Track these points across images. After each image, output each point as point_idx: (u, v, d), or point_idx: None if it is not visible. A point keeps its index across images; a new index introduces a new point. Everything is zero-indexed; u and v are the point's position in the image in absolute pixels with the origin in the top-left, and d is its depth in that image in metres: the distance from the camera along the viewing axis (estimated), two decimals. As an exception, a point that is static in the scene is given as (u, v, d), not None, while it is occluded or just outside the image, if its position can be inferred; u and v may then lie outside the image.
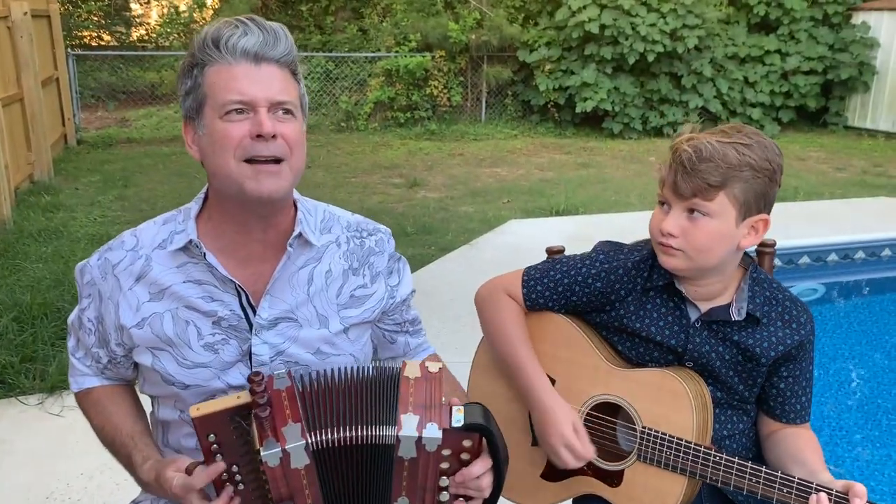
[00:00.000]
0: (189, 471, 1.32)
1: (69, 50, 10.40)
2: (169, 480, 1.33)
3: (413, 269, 5.16)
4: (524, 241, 5.89)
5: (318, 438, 1.28)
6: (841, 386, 4.42)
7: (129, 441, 1.49)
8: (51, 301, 4.18)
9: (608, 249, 1.78)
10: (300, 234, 1.47)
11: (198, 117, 1.39)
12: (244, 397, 1.29)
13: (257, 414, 1.25)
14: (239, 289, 1.45)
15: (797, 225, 6.20)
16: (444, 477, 1.33)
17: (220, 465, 1.30)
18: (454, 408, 1.31)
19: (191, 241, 1.43)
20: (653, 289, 1.69)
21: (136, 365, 1.54)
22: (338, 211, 1.62)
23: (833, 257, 5.98)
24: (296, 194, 1.53)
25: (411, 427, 1.27)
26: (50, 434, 3.12)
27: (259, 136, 1.33)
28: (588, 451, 1.65)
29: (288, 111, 1.38)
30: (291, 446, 1.25)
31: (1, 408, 3.38)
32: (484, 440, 1.33)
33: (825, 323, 5.30)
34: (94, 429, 1.59)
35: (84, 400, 1.60)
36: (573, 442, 1.64)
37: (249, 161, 1.35)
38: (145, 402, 1.62)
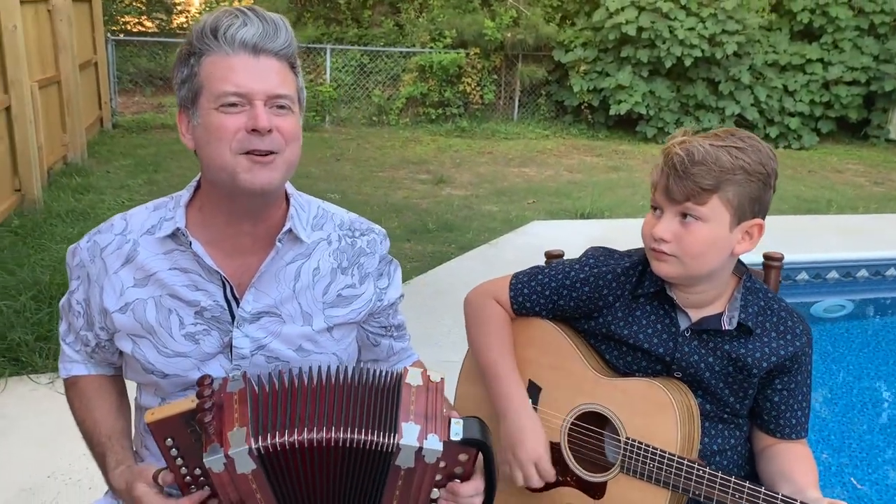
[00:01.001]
0: (154, 477, 1.32)
1: (109, 35, 10.55)
2: (140, 499, 1.32)
3: (431, 267, 5.25)
4: (545, 243, 5.79)
5: (265, 443, 1.24)
6: (866, 405, 4.31)
7: (105, 441, 1.49)
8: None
9: (599, 254, 1.75)
10: (290, 230, 1.45)
11: (193, 107, 1.37)
12: (197, 400, 1.28)
13: (200, 419, 1.23)
14: (224, 280, 1.44)
15: (828, 238, 6.07)
16: (436, 489, 1.31)
17: (203, 494, 1.29)
18: (453, 420, 1.28)
19: (178, 229, 1.42)
20: (643, 295, 1.65)
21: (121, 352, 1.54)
22: (332, 208, 1.59)
23: (863, 273, 5.83)
24: (290, 189, 1.51)
25: (412, 437, 1.24)
26: (57, 414, 3.15)
27: (255, 130, 1.32)
28: (550, 474, 1.63)
29: (284, 105, 1.36)
30: (235, 451, 1.22)
31: (12, 385, 3.44)
32: (479, 457, 1.31)
33: (852, 340, 5.17)
34: (75, 420, 1.59)
35: (70, 388, 1.60)
36: (543, 461, 1.62)
37: (245, 154, 1.34)
38: (130, 388, 1.62)
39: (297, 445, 1.25)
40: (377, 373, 1.34)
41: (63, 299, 1.58)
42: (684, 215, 1.52)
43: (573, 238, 5.99)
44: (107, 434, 1.50)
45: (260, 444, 1.23)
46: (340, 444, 1.25)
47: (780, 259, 1.86)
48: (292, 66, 1.40)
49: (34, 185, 6.10)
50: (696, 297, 1.61)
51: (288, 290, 1.47)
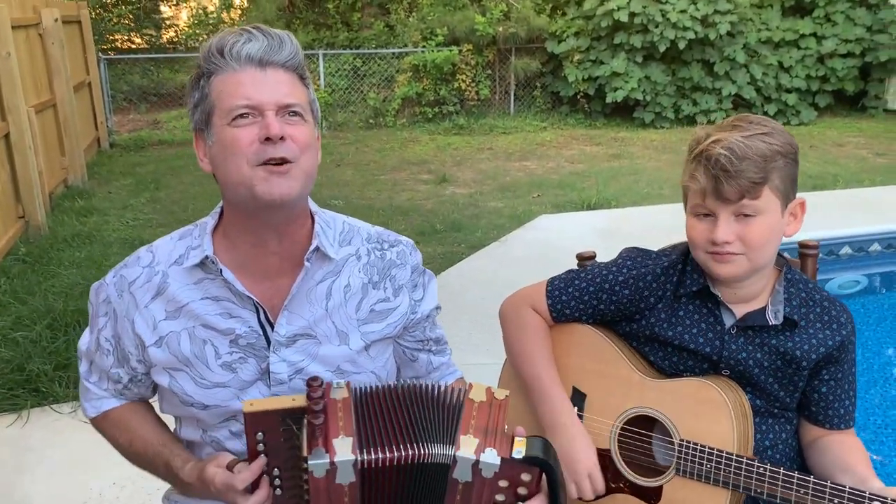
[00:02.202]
0: (230, 467, 1.31)
1: (100, 54, 10.53)
2: (211, 477, 1.32)
3: (443, 268, 5.22)
4: (555, 237, 5.81)
5: (368, 457, 1.23)
6: (886, 381, 4.28)
7: (163, 450, 1.47)
8: (83, 307, 4.20)
9: (635, 255, 1.71)
10: (317, 248, 1.42)
11: (207, 128, 1.36)
12: (299, 400, 1.27)
13: (310, 421, 1.22)
14: (257, 305, 1.41)
15: (838, 214, 6.03)
16: None
17: (261, 461, 1.28)
18: (516, 438, 1.26)
19: (207, 258, 1.39)
20: (685, 295, 1.62)
21: (155, 385, 1.51)
22: (357, 223, 1.56)
23: (876, 247, 5.80)
24: (314, 206, 1.48)
25: (469, 449, 1.23)
26: (83, 443, 3.13)
27: (268, 138, 1.29)
28: (602, 484, 1.62)
29: (296, 113, 1.34)
30: (340, 460, 1.21)
31: (34, 416, 3.40)
32: (544, 476, 1.28)
33: (868, 315, 5.14)
34: (119, 448, 1.56)
35: (103, 423, 1.57)
36: (596, 473, 1.60)
37: (261, 165, 1.31)
38: (168, 420, 1.59)
39: (393, 462, 1.24)
40: (442, 388, 1.33)
41: (83, 341, 1.54)
42: (741, 214, 1.49)
43: (582, 231, 5.95)
44: (161, 443, 1.49)
45: (365, 456, 1.23)
46: (410, 459, 1.24)
47: (817, 247, 1.83)
48: (302, 78, 1.38)
49: (38, 210, 6.07)
50: (744, 291, 1.58)
51: (321, 309, 1.44)
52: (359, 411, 1.28)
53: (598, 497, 1.64)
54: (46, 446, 3.17)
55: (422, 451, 1.24)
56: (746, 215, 1.49)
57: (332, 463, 1.21)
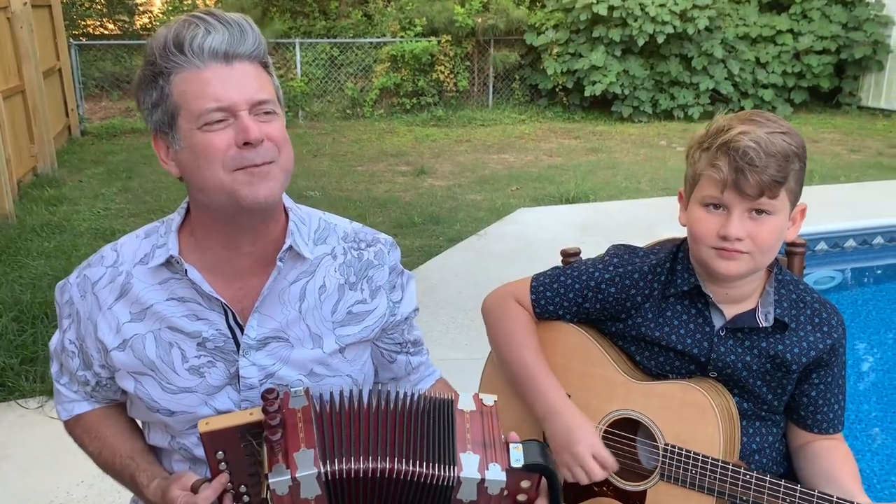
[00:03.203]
0: (195, 489, 1.25)
1: (71, 39, 10.29)
2: (174, 500, 1.27)
3: (421, 262, 5.17)
4: (534, 231, 5.78)
5: (334, 468, 1.18)
6: (860, 376, 4.31)
7: (129, 462, 1.41)
8: (52, 300, 4.04)
9: (622, 253, 1.67)
10: (291, 247, 1.36)
11: (171, 131, 1.26)
12: (257, 414, 1.21)
13: (268, 437, 1.16)
14: (225, 307, 1.34)
15: (813, 210, 6.04)
16: None
17: (223, 478, 1.23)
18: (512, 445, 1.21)
19: (172, 257, 1.33)
20: (674, 294, 1.58)
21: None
22: (335, 219, 1.50)
23: (851, 243, 5.84)
24: (289, 202, 1.41)
25: (472, 468, 1.18)
26: (50, 439, 3.05)
27: (247, 143, 1.22)
28: (613, 459, 1.55)
29: (269, 111, 1.27)
30: (302, 475, 1.15)
31: (0, 411, 3.31)
32: (542, 480, 1.24)
33: (843, 311, 5.15)
34: (90, 455, 1.50)
35: (75, 427, 1.50)
36: (601, 451, 1.54)
37: (239, 170, 1.24)
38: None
39: (362, 474, 1.19)
40: (429, 399, 1.27)
41: (53, 340, 1.47)
42: (754, 210, 1.44)
43: (561, 225, 5.94)
44: (128, 455, 1.42)
45: (328, 468, 1.17)
46: (402, 475, 1.19)
47: (804, 245, 1.81)
48: (265, 67, 1.31)
49: (5, 199, 5.92)
50: (736, 291, 1.55)
51: (294, 311, 1.38)
52: (321, 420, 1.22)
53: (581, 498, 1.61)
54: (12, 443, 3.09)
55: (418, 470, 1.18)
56: (759, 213, 1.44)
57: (294, 478, 1.15)
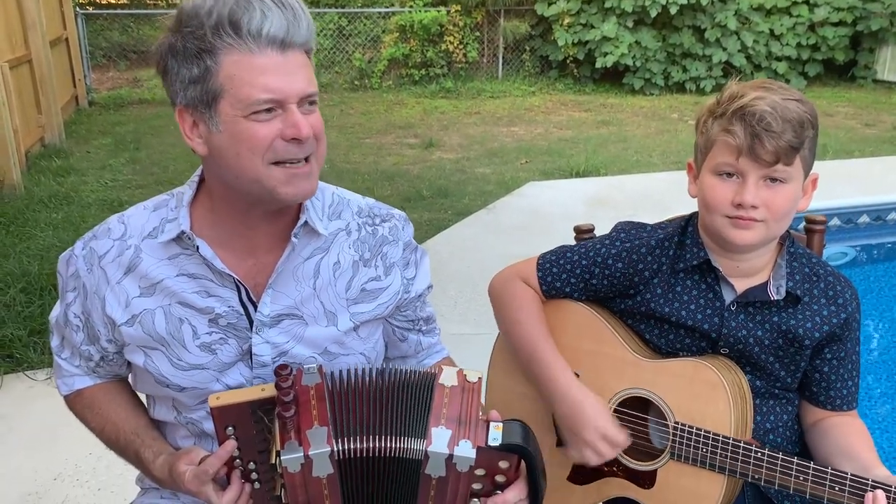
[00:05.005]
0: (201, 463, 1.24)
1: (78, 9, 10.22)
2: (182, 475, 1.25)
3: (430, 235, 5.14)
4: (543, 205, 5.73)
5: (345, 447, 1.16)
6: (872, 353, 4.28)
7: (134, 438, 1.40)
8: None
9: (629, 228, 1.64)
10: (305, 223, 1.33)
11: (209, 111, 1.20)
12: (269, 390, 1.19)
13: (280, 413, 1.14)
14: (238, 283, 1.31)
15: (827, 185, 5.98)
16: (476, 499, 1.22)
17: (229, 445, 1.21)
18: (492, 424, 1.19)
19: (183, 233, 1.29)
20: (683, 269, 1.55)
21: (129, 362, 1.42)
22: (348, 195, 1.46)
23: (864, 219, 5.78)
24: None
25: (442, 443, 1.15)
26: (58, 411, 3.02)
27: (294, 138, 1.19)
28: (624, 436, 1.52)
29: (313, 100, 1.23)
30: (315, 452, 1.14)
31: (8, 383, 3.32)
32: (522, 462, 1.22)
33: (856, 288, 5.13)
34: (92, 431, 1.48)
35: (76, 403, 1.48)
36: (610, 431, 1.51)
37: (278, 163, 1.21)
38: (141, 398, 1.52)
39: (372, 452, 1.17)
40: (409, 372, 1.25)
41: (54, 313, 1.44)
42: (769, 178, 1.42)
43: (571, 199, 5.88)
44: (133, 431, 1.41)
45: (342, 446, 1.16)
46: (380, 451, 1.18)
47: (824, 222, 1.77)
48: (310, 53, 1.26)
49: (13, 170, 5.90)
50: (748, 264, 1.51)
51: (308, 288, 1.35)
52: (333, 398, 1.20)
53: (591, 479, 1.59)
54: (20, 415, 3.09)
55: (393, 445, 1.17)
56: (774, 181, 1.41)
57: (307, 456, 1.14)
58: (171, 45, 1.20)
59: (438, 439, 1.15)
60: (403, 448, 1.17)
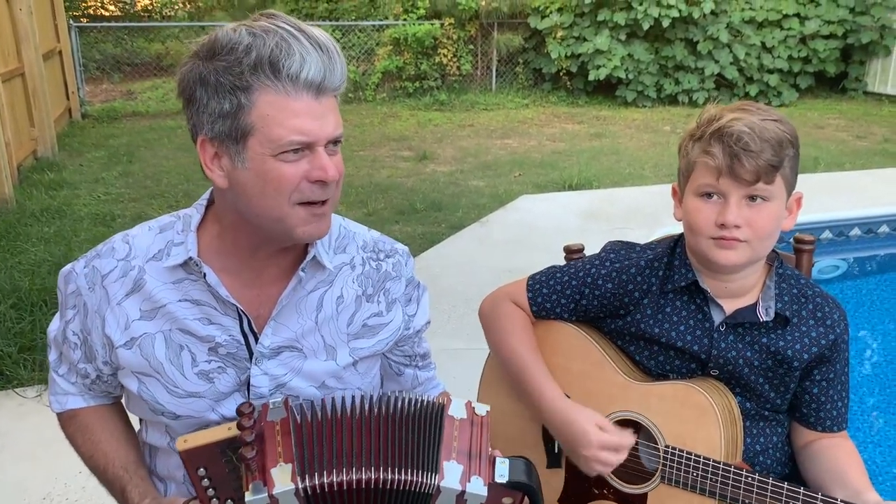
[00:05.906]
0: None
1: (71, 21, 10.21)
2: None
3: (423, 249, 5.14)
4: (537, 219, 5.73)
5: (313, 482, 1.14)
6: (863, 366, 4.29)
7: (122, 473, 1.38)
8: (51, 286, 4.06)
9: (618, 248, 1.65)
10: (314, 257, 1.32)
11: (236, 146, 1.19)
12: (234, 429, 1.18)
13: (243, 454, 1.13)
14: (241, 312, 1.31)
15: (818, 198, 6.01)
16: None
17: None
18: (497, 460, 1.18)
19: (191, 259, 1.28)
20: (672, 290, 1.56)
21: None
22: (354, 227, 1.46)
23: (856, 231, 5.80)
24: None
25: (454, 478, 1.14)
26: (48, 429, 3.02)
27: (319, 180, 1.19)
28: (626, 439, 1.52)
29: (338, 142, 1.24)
30: (279, 491, 1.12)
31: (-2, 400, 3.30)
32: (525, 499, 1.21)
33: (847, 301, 5.14)
34: (80, 455, 1.46)
35: (69, 423, 1.47)
36: (608, 440, 1.51)
37: (301, 203, 1.21)
38: (133, 420, 1.50)
39: (344, 486, 1.16)
40: (419, 403, 1.23)
41: (53, 329, 1.43)
42: (752, 197, 1.43)
43: (564, 212, 5.89)
44: (122, 466, 1.39)
45: (307, 483, 1.14)
46: (381, 484, 1.16)
47: (813, 242, 1.77)
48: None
49: (4, 183, 5.88)
50: (736, 285, 1.52)
51: (310, 321, 1.34)
52: (302, 431, 1.18)
53: (581, 501, 1.59)
54: (10, 432, 3.07)
55: (397, 477, 1.15)
56: (756, 200, 1.43)
57: (272, 496, 1.12)
58: (201, 75, 1.18)
59: (451, 474, 1.14)
60: (412, 481, 1.15)
